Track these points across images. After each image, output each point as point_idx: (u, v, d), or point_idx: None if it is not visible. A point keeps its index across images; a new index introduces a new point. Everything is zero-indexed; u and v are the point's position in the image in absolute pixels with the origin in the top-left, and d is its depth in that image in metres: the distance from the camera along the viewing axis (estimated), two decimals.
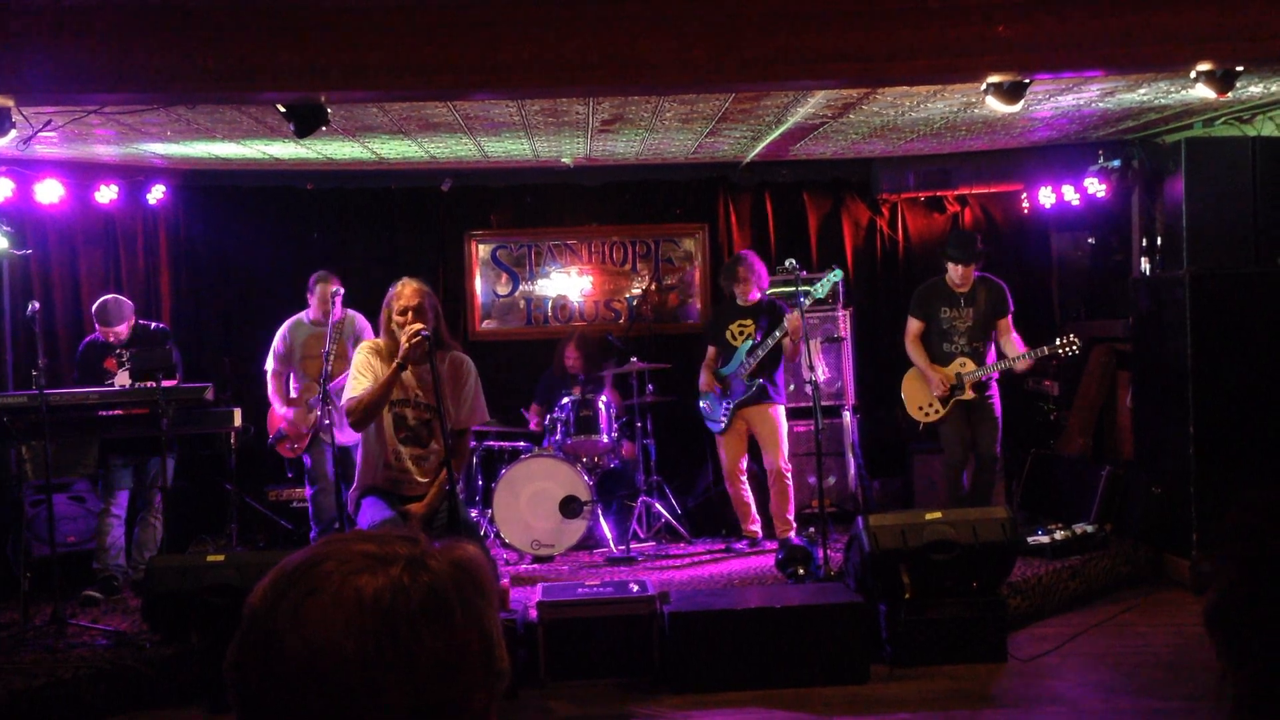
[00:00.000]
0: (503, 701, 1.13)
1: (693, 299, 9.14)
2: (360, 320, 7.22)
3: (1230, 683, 1.29)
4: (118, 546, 6.80)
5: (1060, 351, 7.04)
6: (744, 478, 7.59)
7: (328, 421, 6.66)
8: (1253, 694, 1.26)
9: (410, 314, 4.92)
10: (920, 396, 7.31)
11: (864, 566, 5.85)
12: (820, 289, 7.27)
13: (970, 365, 7.19)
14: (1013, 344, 7.25)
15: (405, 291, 4.99)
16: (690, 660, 5.50)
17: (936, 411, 7.24)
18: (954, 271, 7.22)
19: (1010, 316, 7.30)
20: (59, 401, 6.22)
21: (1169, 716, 5.00)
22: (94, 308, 6.96)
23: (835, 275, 7.40)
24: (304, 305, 7.52)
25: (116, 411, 6.40)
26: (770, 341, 7.28)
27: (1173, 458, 6.99)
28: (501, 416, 8.18)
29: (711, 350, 7.67)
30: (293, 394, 7.41)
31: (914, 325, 7.35)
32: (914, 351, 7.32)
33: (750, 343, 7.41)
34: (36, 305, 6.33)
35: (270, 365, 7.38)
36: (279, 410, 7.34)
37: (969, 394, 7.16)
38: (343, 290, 7.12)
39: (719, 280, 8.09)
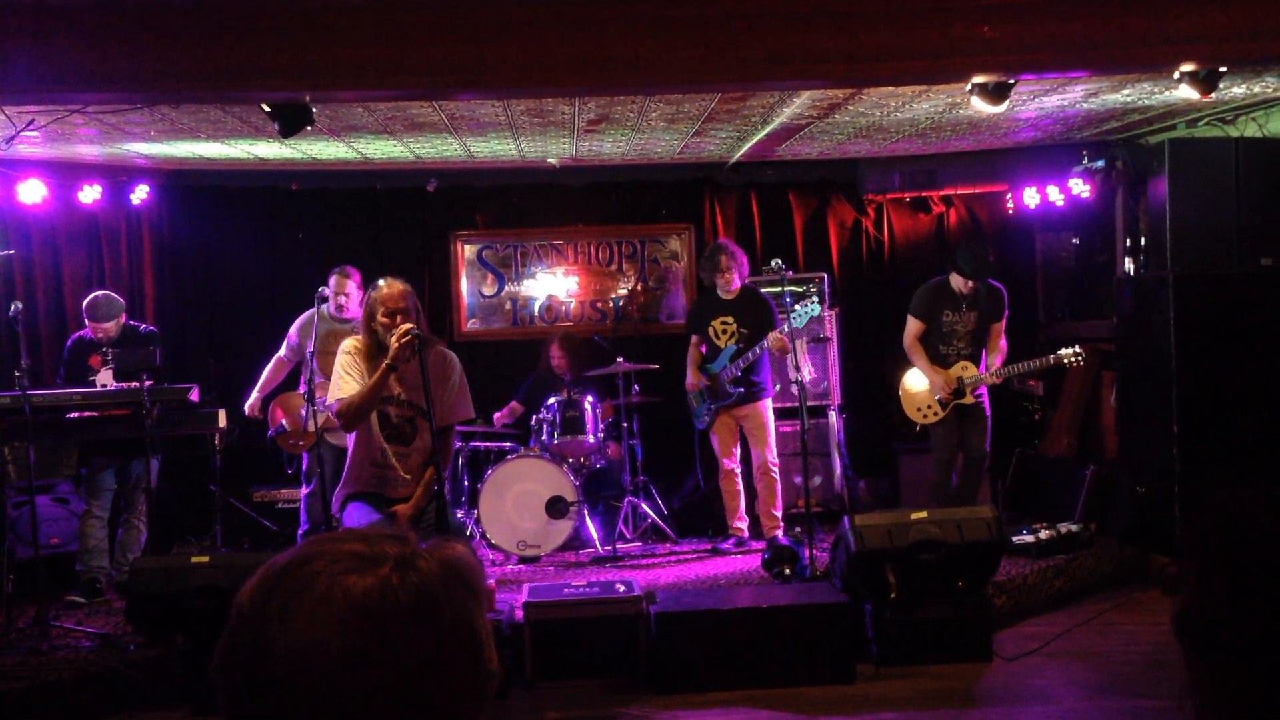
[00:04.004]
0: (492, 702, 1.12)
1: (679, 299, 9.13)
2: None
3: (1198, 690, 1.27)
4: (101, 548, 6.76)
5: (1067, 362, 7.06)
6: (737, 469, 7.59)
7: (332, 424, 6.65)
8: (1221, 702, 1.24)
9: (399, 315, 4.91)
10: (919, 398, 7.30)
11: (850, 566, 5.85)
12: (798, 319, 7.12)
13: (972, 369, 7.19)
14: (998, 349, 7.27)
15: (392, 292, 4.98)
16: (677, 660, 5.50)
17: (935, 414, 7.24)
18: (961, 282, 7.21)
19: (1003, 322, 7.32)
20: (42, 402, 6.18)
21: (1154, 714, 5.02)
22: (85, 303, 6.92)
23: (813, 309, 7.24)
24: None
25: (100, 412, 6.37)
26: (752, 355, 7.28)
27: (1156, 457, 7.02)
28: (486, 417, 8.18)
29: (694, 339, 7.67)
30: (301, 388, 7.35)
31: (915, 326, 7.33)
32: (914, 353, 7.31)
33: (734, 347, 7.41)
34: (19, 305, 6.29)
35: (282, 352, 7.38)
36: (252, 395, 7.32)
37: (970, 399, 7.18)
38: (359, 291, 7.08)
39: (700, 272, 8.06)
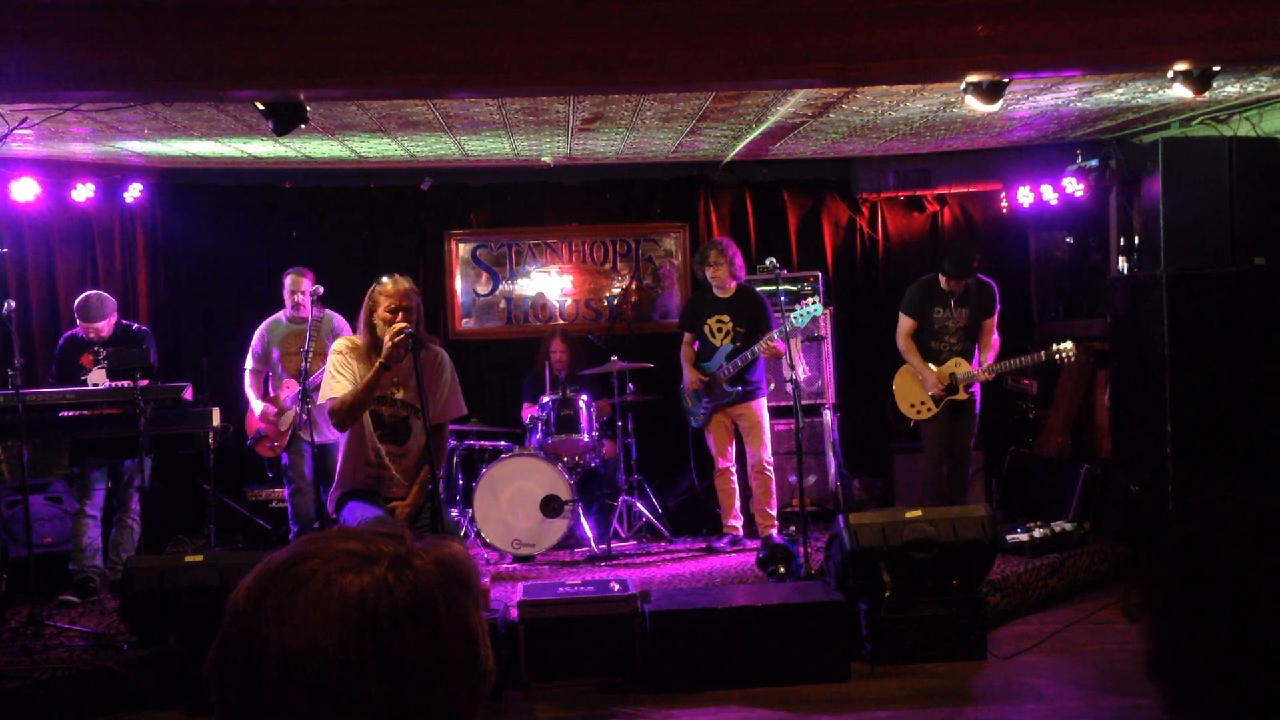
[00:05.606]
0: (487, 701, 1.12)
1: (673, 298, 9.13)
2: (338, 320, 7.23)
3: None
4: (94, 547, 6.75)
5: (1058, 357, 7.09)
6: (732, 468, 7.59)
7: (305, 419, 6.66)
8: None
9: (400, 313, 4.90)
10: (913, 394, 7.32)
11: (845, 565, 5.86)
12: (800, 319, 7.17)
13: (965, 365, 7.21)
14: (990, 345, 7.29)
15: (398, 289, 4.95)
16: (671, 659, 5.50)
17: (929, 410, 7.26)
18: (946, 280, 7.24)
19: (995, 318, 7.34)
20: (35, 401, 6.17)
21: (1148, 713, 5.02)
22: (76, 303, 6.91)
23: (816, 309, 7.24)
24: (284, 304, 7.51)
25: (93, 411, 6.36)
26: (750, 355, 7.28)
27: (1150, 456, 7.03)
28: (481, 416, 8.17)
29: (688, 336, 7.67)
30: (272, 393, 7.41)
31: (906, 323, 7.36)
32: (907, 350, 7.33)
33: (730, 347, 7.40)
34: (12, 304, 6.26)
35: (249, 364, 7.43)
36: (255, 407, 7.35)
37: (963, 395, 7.20)
38: (315, 288, 7.11)
39: (692, 266, 8.05)
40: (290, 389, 7.18)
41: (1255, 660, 1.10)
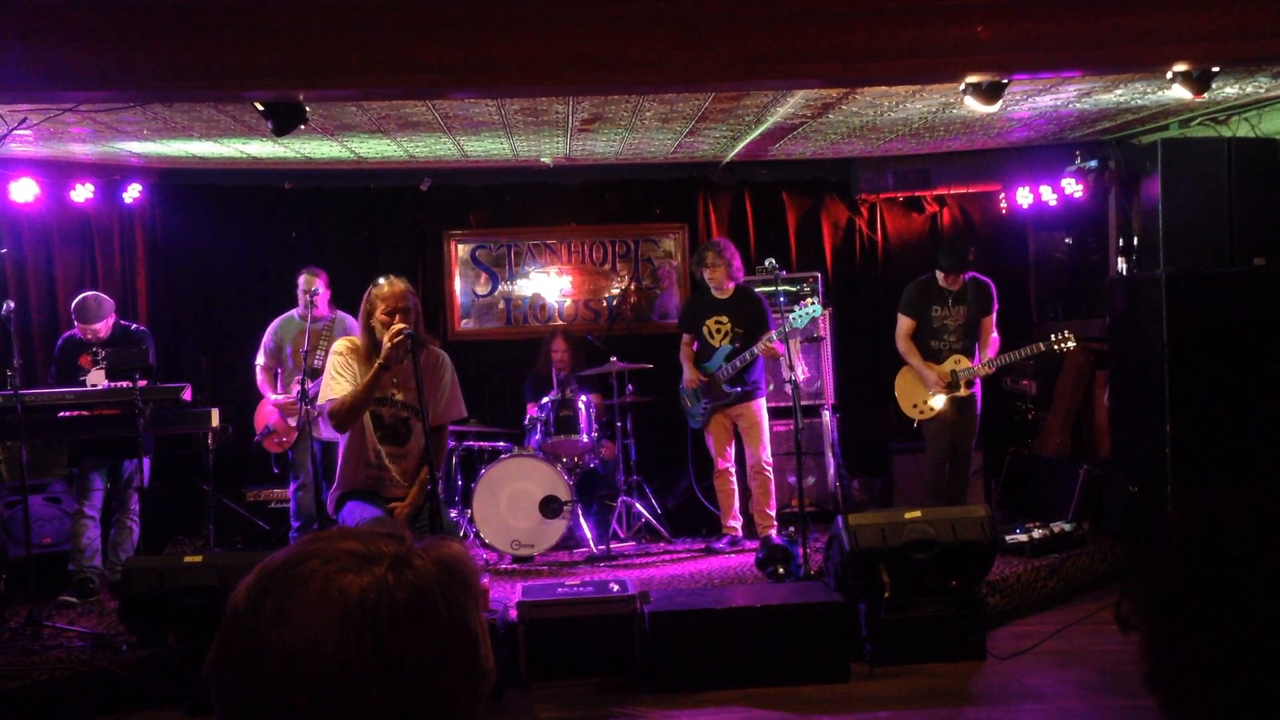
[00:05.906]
0: (487, 701, 1.12)
1: (672, 299, 9.13)
2: (350, 321, 7.24)
3: None
4: (93, 548, 6.75)
5: (1056, 348, 7.11)
6: (731, 468, 7.59)
7: (315, 415, 6.70)
8: None
9: (398, 314, 4.89)
10: (914, 394, 7.33)
11: (844, 565, 5.86)
12: (799, 320, 7.20)
13: (965, 362, 7.23)
14: (989, 343, 7.31)
15: (394, 290, 4.94)
16: (671, 659, 5.50)
17: (931, 410, 7.28)
18: (943, 277, 7.26)
19: (994, 316, 7.35)
20: (35, 402, 6.17)
21: (1146, 713, 5.02)
22: (73, 305, 6.92)
23: (815, 310, 7.25)
24: (284, 305, 7.54)
25: (92, 412, 6.36)
26: (749, 355, 7.28)
27: (1149, 456, 7.04)
28: (480, 416, 8.17)
29: (686, 337, 7.67)
30: (281, 389, 7.46)
31: (905, 323, 7.38)
32: (906, 350, 7.35)
33: (729, 347, 7.40)
34: (11, 304, 6.26)
35: (260, 360, 7.51)
36: (270, 398, 7.39)
37: (964, 391, 7.22)
38: (326, 290, 7.19)
39: (691, 267, 8.06)
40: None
41: (1255, 662, 1.08)
